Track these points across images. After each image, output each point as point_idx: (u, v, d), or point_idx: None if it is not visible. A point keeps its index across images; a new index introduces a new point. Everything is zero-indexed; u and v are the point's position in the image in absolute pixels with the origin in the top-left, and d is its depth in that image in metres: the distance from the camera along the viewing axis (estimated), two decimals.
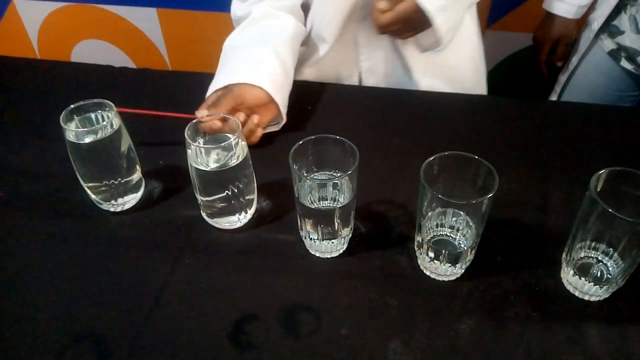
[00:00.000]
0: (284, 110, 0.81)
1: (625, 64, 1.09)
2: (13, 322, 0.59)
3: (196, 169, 0.63)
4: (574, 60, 1.18)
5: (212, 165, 0.63)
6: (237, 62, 0.83)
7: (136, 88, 0.97)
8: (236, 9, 0.94)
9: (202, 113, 0.73)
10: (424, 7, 0.79)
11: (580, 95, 1.19)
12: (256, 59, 0.82)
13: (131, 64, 1.80)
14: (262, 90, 0.78)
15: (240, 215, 0.68)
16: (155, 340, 0.57)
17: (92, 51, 1.79)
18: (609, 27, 1.08)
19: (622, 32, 1.05)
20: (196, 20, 1.65)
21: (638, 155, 0.80)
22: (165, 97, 0.94)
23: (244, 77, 0.78)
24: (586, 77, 1.17)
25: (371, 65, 0.98)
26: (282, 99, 0.80)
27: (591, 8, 1.16)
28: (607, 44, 1.10)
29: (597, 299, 0.60)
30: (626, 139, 0.83)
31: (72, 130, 0.64)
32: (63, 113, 0.64)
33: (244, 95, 0.77)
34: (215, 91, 0.79)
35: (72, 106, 0.66)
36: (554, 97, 1.26)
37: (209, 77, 0.98)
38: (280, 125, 0.83)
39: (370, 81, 1.00)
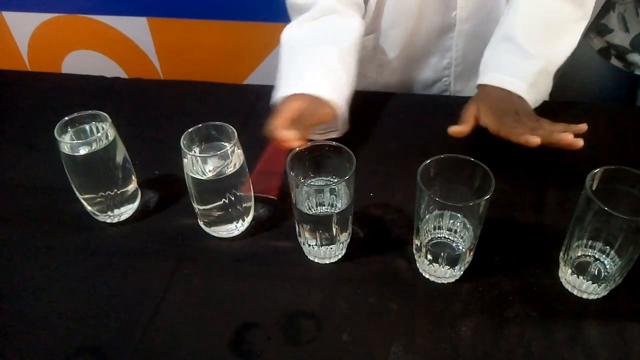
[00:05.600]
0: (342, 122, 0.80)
1: (615, 62, 1.10)
2: (12, 336, 0.59)
3: (192, 178, 0.63)
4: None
5: (209, 174, 0.63)
6: (309, 67, 0.79)
7: (129, 98, 0.96)
8: None
9: (289, 135, 0.67)
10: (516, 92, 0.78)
11: (571, 93, 1.20)
12: (330, 67, 0.79)
13: (122, 74, 1.79)
14: (334, 110, 0.76)
15: (237, 223, 0.67)
16: (155, 351, 0.57)
17: (83, 62, 1.78)
18: (597, 26, 1.09)
19: (611, 31, 1.06)
20: (187, 29, 1.65)
21: (630, 153, 0.80)
22: (158, 106, 0.94)
23: (324, 91, 0.75)
24: (576, 76, 1.18)
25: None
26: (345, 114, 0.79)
27: None
28: (597, 42, 1.11)
29: (596, 297, 0.60)
30: (618, 136, 0.84)
31: (67, 143, 0.64)
32: (57, 125, 0.64)
33: (325, 117, 0.75)
34: (289, 98, 0.75)
35: (66, 118, 0.65)
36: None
37: (201, 85, 0.99)
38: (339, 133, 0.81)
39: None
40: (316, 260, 0.65)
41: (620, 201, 0.56)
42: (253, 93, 0.96)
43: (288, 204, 0.62)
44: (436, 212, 0.60)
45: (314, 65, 0.79)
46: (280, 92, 0.77)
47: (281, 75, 0.81)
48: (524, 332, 0.57)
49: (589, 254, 0.60)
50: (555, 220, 0.69)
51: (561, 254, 0.62)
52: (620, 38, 1.06)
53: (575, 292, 0.61)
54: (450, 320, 0.58)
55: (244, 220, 0.68)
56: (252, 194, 0.69)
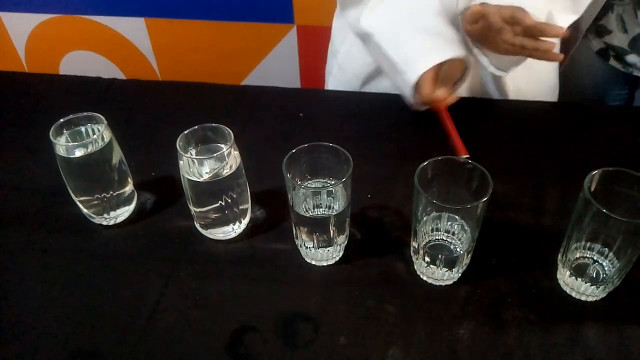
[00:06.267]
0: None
1: (613, 62, 1.09)
2: (7, 339, 0.58)
3: (189, 180, 0.62)
4: None
5: (205, 176, 0.63)
6: (424, 40, 0.79)
7: (127, 99, 0.96)
8: None
9: (443, 93, 0.75)
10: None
11: (570, 95, 1.20)
12: (442, 32, 0.80)
13: (120, 75, 1.79)
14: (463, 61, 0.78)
15: (234, 225, 0.67)
16: (152, 354, 0.57)
17: (80, 62, 1.78)
18: (596, 27, 1.09)
19: (609, 32, 1.06)
20: (184, 29, 1.64)
21: (629, 154, 0.80)
22: (156, 107, 0.94)
23: (451, 53, 0.76)
24: (575, 77, 1.18)
25: None
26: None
27: None
28: (595, 43, 1.11)
29: (594, 299, 0.60)
30: (617, 137, 0.84)
31: (62, 145, 0.63)
32: (52, 127, 0.64)
33: (459, 67, 0.78)
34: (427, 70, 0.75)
35: (61, 120, 0.65)
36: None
37: (199, 86, 0.98)
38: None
39: None
40: (313, 263, 0.65)
41: (618, 203, 0.56)
42: (251, 94, 0.96)
43: (285, 206, 0.62)
44: (434, 214, 0.59)
45: (428, 36, 0.79)
46: (413, 74, 0.76)
47: (396, 59, 0.79)
48: (523, 335, 0.57)
49: (587, 255, 0.60)
50: (553, 222, 0.69)
51: (559, 256, 0.61)
52: (619, 39, 1.06)
53: (573, 294, 0.61)
54: (448, 322, 0.58)
55: (240, 223, 0.68)
56: (249, 196, 0.68)
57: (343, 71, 1.03)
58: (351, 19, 0.89)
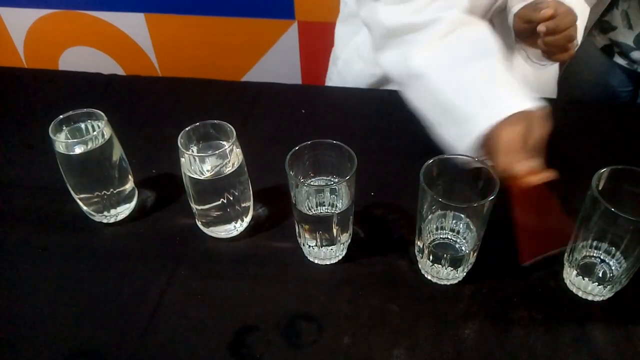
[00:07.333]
0: None
1: (618, 59, 1.08)
2: (7, 338, 0.58)
3: (190, 177, 0.61)
4: None
5: (207, 173, 0.62)
6: (495, 86, 0.67)
7: (126, 96, 0.95)
8: (402, 16, 0.72)
9: (529, 166, 0.59)
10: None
11: (575, 91, 1.19)
12: (508, 77, 0.67)
13: (120, 71, 1.78)
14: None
15: (236, 223, 0.66)
16: (153, 354, 0.56)
17: (80, 58, 1.77)
18: (600, 23, 1.08)
19: (614, 28, 1.05)
20: (185, 25, 1.63)
21: (635, 152, 0.79)
22: (156, 104, 0.93)
23: (529, 103, 0.63)
24: (579, 74, 1.17)
25: None
26: None
27: None
28: (600, 40, 1.10)
29: (601, 299, 0.59)
30: (622, 135, 0.83)
31: (62, 142, 0.62)
32: (52, 124, 0.63)
33: (544, 128, 0.65)
34: (498, 129, 0.61)
35: (61, 117, 0.64)
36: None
37: (199, 82, 0.97)
38: None
39: None
40: (316, 262, 0.64)
41: (626, 202, 0.55)
42: (252, 90, 0.95)
43: (287, 204, 0.61)
44: (439, 212, 0.59)
45: (495, 83, 0.67)
46: (481, 126, 0.62)
47: (458, 103, 0.66)
48: (529, 335, 0.56)
49: (594, 255, 0.59)
50: None
51: (566, 255, 0.61)
52: (623, 35, 1.05)
53: (580, 294, 0.60)
54: (453, 322, 0.58)
55: (242, 221, 0.67)
56: (251, 194, 0.67)
57: (343, 79, 1.01)
58: (386, 60, 0.78)
